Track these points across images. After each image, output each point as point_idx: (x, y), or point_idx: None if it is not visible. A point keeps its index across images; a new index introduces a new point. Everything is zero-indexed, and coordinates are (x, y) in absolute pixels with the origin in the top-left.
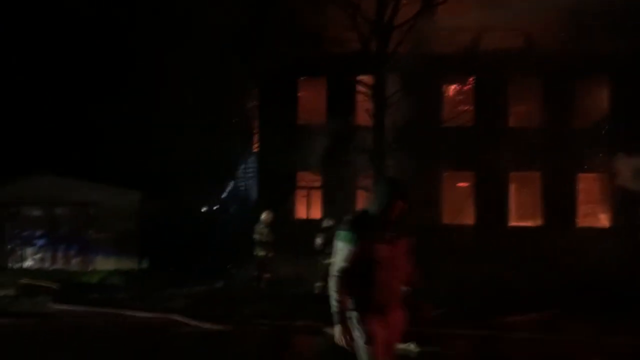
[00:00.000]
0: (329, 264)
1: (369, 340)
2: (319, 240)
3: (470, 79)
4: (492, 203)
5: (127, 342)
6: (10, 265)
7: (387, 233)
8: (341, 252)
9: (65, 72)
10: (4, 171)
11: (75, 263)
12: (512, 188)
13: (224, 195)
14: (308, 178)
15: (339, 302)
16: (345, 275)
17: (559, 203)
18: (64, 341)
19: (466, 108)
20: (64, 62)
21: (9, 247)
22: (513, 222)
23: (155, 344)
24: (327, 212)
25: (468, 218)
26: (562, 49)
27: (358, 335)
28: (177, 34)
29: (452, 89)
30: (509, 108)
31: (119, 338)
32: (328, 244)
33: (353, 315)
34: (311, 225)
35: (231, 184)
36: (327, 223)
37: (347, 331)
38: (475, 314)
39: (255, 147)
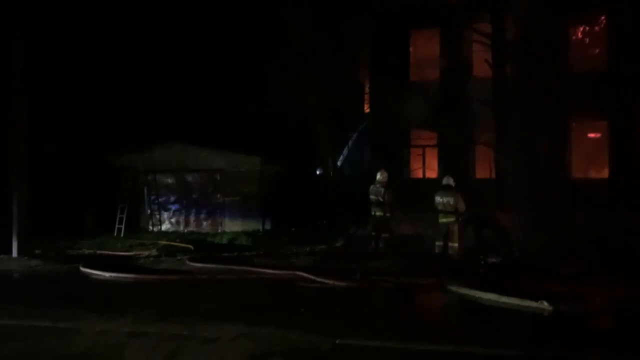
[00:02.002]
0: (448, 223)
1: None
2: (439, 199)
3: (602, 17)
4: (629, 154)
5: (257, 295)
6: (150, 228)
7: None
8: None
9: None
10: (141, 141)
11: (206, 225)
12: None
13: (340, 156)
14: (423, 136)
15: None
16: None
17: None
18: (201, 293)
19: (597, 51)
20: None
21: (148, 211)
22: None
23: (284, 297)
24: (444, 170)
25: (602, 172)
26: None
27: None
28: None
29: (581, 30)
30: None
31: (248, 291)
32: (447, 203)
33: None
34: (427, 184)
35: (347, 146)
36: (446, 181)
37: None
38: (613, 271)
39: (367, 107)
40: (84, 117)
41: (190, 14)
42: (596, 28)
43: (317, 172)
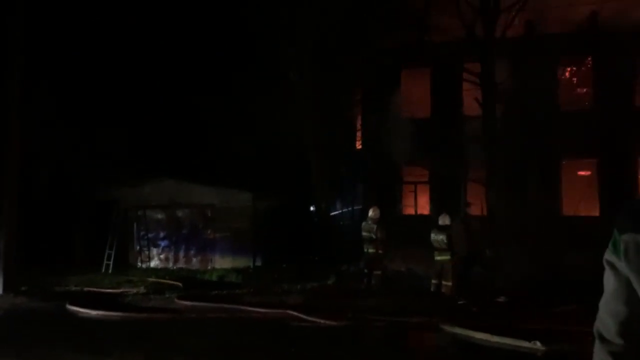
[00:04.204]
0: (443, 261)
1: None
2: (433, 237)
3: (588, 58)
4: (618, 191)
5: (247, 335)
6: (139, 264)
7: None
8: None
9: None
10: (132, 176)
11: (195, 262)
12: None
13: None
14: (414, 172)
15: None
16: None
17: None
18: (190, 333)
19: (585, 90)
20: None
21: (137, 247)
22: None
23: (274, 338)
24: (435, 207)
25: (592, 209)
26: None
27: None
28: (283, 31)
29: (569, 71)
30: (635, 86)
31: (238, 331)
32: (447, 241)
33: None
34: (419, 221)
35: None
36: (442, 220)
37: None
38: None
39: (359, 144)
40: (77, 151)
41: (184, 48)
42: (583, 69)
43: (310, 209)
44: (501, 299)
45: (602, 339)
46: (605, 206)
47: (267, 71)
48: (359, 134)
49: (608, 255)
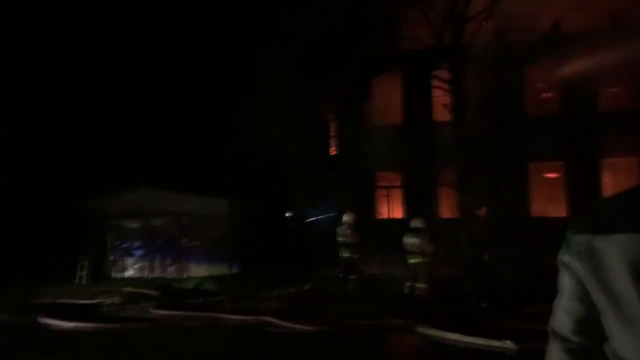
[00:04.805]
0: (416, 263)
1: None
2: (406, 240)
3: (554, 64)
4: (584, 193)
5: (224, 343)
6: (113, 274)
7: None
8: None
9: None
10: (105, 186)
11: (171, 271)
12: (606, 176)
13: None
14: (388, 177)
15: None
16: None
17: None
18: (166, 343)
19: (551, 95)
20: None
21: (111, 257)
22: None
23: (251, 345)
24: (408, 211)
25: (560, 210)
26: None
27: None
28: (256, 41)
29: (536, 76)
30: (599, 91)
31: (215, 339)
32: (414, 244)
33: None
34: (393, 225)
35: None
36: (414, 223)
37: None
38: None
39: (333, 150)
40: (52, 161)
41: (159, 57)
42: (548, 74)
43: (286, 215)
44: (485, 304)
45: (558, 337)
46: (572, 207)
47: (242, 78)
48: (333, 140)
49: (562, 256)
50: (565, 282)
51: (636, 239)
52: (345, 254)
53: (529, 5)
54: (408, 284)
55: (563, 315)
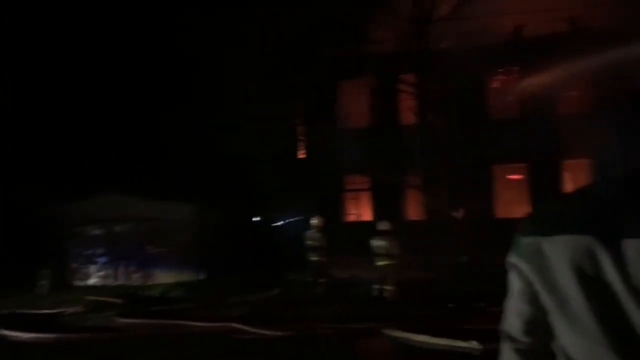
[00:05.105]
0: (384, 266)
1: None
2: (374, 243)
3: (516, 68)
4: (547, 194)
5: (191, 351)
6: (76, 283)
7: None
8: None
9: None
10: (66, 191)
11: (136, 278)
12: (568, 177)
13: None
14: (356, 180)
15: None
16: None
17: None
18: (130, 352)
19: (513, 99)
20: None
21: (74, 265)
22: None
23: (218, 353)
24: (377, 213)
25: (523, 211)
26: (612, 29)
27: None
28: (223, 44)
29: (498, 80)
30: (559, 95)
31: (182, 347)
32: (381, 246)
33: None
34: (362, 228)
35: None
36: (382, 226)
37: None
38: None
39: (302, 154)
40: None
41: (124, 60)
42: (511, 78)
43: (255, 220)
44: (451, 305)
45: (509, 338)
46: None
47: (209, 82)
48: (301, 143)
49: (511, 258)
50: (514, 283)
51: (579, 240)
52: (314, 258)
53: (492, 10)
54: (376, 286)
55: (512, 316)
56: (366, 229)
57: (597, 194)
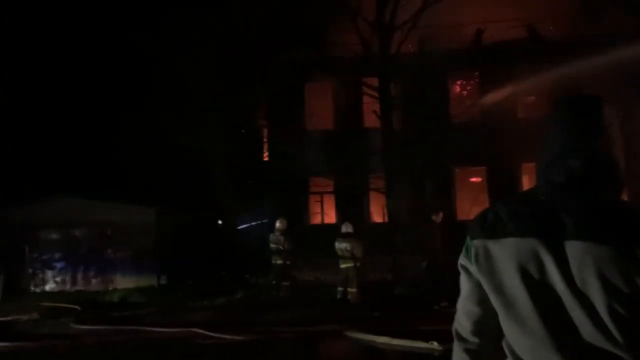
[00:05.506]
0: (347, 268)
1: None
2: (337, 245)
3: (476, 73)
4: (505, 196)
5: (151, 358)
6: (32, 288)
7: None
8: None
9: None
10: (21, 195)
11: (95, 283)
12: (526, 179)
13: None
14: (320, 183)
15: None
16: None
17: None
18: (94, 359)
19: (473, 103)
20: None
21: (29, 270)
22: None
23: (178, 358)
24: (341, 216)
25: None
26: (569, 36)
27: None
28: (185, 45)
29: (459, 85)
30: (517, 100)
31: (142, 354)
32: (345, 248)
33: None
34: (326, 230)
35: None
36: (345, 228)
37: None
38: None
39: (266, 156)
40: None
41: (83, 60)
42: (471, 83)
43: (219, 222)
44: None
45: (459, 338)
46: None
47: (172, 83)
48: (266, 145)
49: (462, 260)
50: (465, 284)
51: (524, 242)
52: (278, 261)
53: (452, 16)
54: (340, 288)
55: (463, 316)
56: (330, 231)
57: (540, 197)
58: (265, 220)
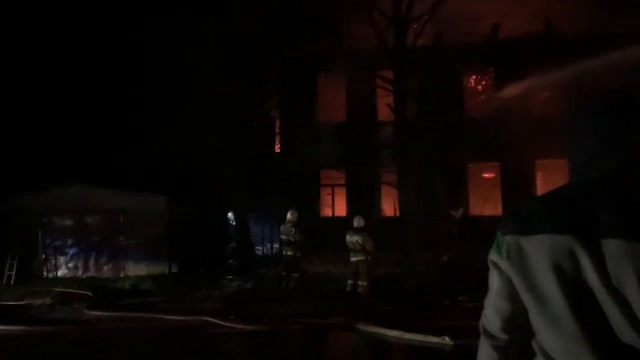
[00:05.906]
0: (358, 261)
1: None
2: (348, 238)
3: (491, 68)
4: (518, 192)
5: (162, 345)
6: (45, 274)
7: None
8: None
9: (90, 82)
10: (35, 181)
11: (107, 270)
12: (539, 176)
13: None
14: (331, 175)
15: None
16: None
17: None
18: (100, 346)
19: (487, 98)
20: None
21: (42, 256)
22: None
23: (189, 346)
24: (352, 209)
25: (495, 209)
26: (586, 31)
27: None
28: (201, 36)
29: (474, 79)
30: (533, 96)
31: (153, 341)
32: (356, 242)
33: None
34: (337, 223)
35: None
36: (357, 222)
37: None
38: None
39: (278, 148)
40: None
41: (96, 53)
42: (486, 77)
43: (229, 213)
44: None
45: (487, 334)
46: (507, 207)
47: (185, 75)
48: (277, 137)
49: (492, 256)
50: (494, 280)
51: (558, 239)
52: (288, 252)
53: (468, 10)
54: (350, 281)
55: (492, 313)
56: (341, 224)
57: (575, 194)
58: (277, 211)
